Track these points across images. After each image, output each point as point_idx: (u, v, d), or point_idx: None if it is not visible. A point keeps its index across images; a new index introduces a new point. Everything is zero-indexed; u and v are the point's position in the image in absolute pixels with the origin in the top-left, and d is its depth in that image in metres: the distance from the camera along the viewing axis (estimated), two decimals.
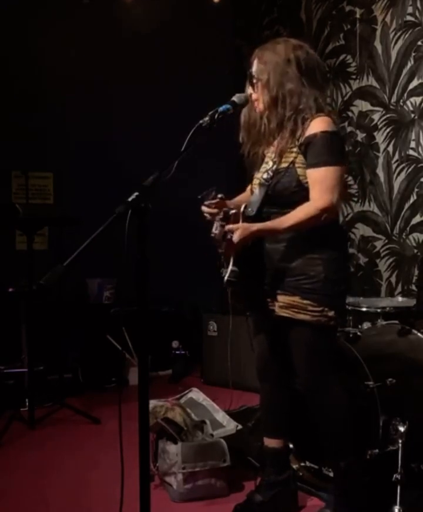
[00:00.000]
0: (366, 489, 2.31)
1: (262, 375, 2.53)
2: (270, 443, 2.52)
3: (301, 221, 2.15)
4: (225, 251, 2.22)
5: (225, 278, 2.21)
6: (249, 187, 2.46)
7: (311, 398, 2.34)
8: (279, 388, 2.46)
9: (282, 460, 2.50)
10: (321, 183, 2.15)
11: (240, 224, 2.19)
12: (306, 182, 2.21)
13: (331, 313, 2.22)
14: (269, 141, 2.30)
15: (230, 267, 2.22)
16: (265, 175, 2.29)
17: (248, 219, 2.23)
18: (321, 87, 2.28)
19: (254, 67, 2.32)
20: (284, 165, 2.25)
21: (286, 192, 2.24)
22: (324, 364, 2.31)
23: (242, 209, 2.25)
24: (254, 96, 2.29)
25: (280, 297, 2.27)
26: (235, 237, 2.14)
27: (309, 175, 2.18)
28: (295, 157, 2.23)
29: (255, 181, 2.37)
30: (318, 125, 2.18)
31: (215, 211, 2.26)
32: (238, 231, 2.15)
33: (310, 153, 2.18)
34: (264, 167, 2.34)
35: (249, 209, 2.26)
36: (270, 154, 2.33)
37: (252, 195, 2.36)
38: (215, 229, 2.19)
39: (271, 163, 2.30)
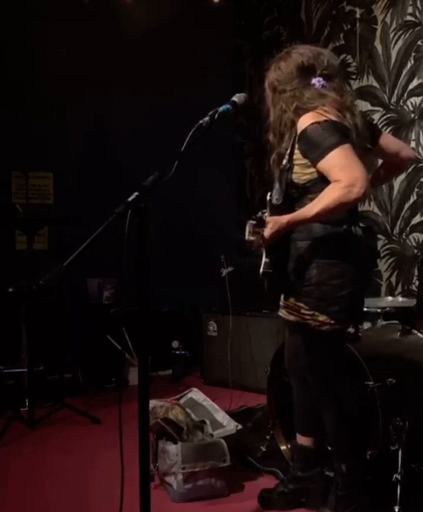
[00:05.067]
0: (366, 489, 2.31)
1: (289, 373, 2.55)
2: (299, 439, 2.55)
3: (329, 204, 2.06)
4: (258, 246, 2.18)
5: (261, 270, 2.19)
6: None
7: (317, 399, 2.35)
8: (306, 387, 2.44)
9: (307, 458, 2.52)
10: (334, 167, 2.08)
11: (270, 218, 2.17)
12: (300, 180, 2.21)
13: (322, 318, 2.18)
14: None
15: (263, 258, 2.19)
16: (284, 161, 2.27)
17: (276, 208, 2.21)
18: (305, 85, 2.25)
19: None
20: (285, 160, 2.25)
21: (287, 189, 2.24)
22: (322, 368, 2.30)
23: (268, 198, 2.23)
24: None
25: (282, 298, 2.31)
26: (267, 232, 2.11)
27: (321, 167, 2.12)
28: (295, 154, 2.23)
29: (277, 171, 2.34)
30: (303, 121, 2.17)
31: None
32: (269, 224, 2.13)
33: (308, 150, 2.15)
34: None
35: (276, 198, 2.23)
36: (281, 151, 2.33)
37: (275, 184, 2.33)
38: (251, 235, 2.12)
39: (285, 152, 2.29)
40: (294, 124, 2.22)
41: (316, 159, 2.13)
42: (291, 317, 2.27)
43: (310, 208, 2.13)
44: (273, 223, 2.14)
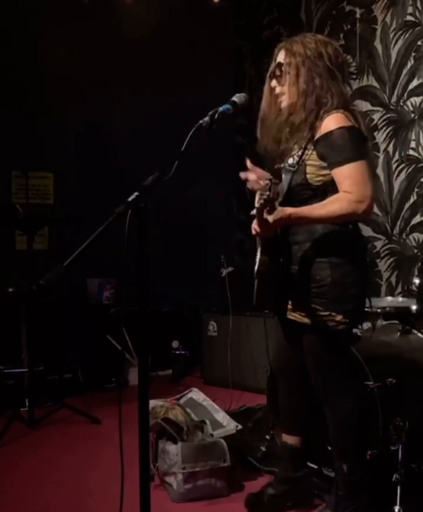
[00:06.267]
0: (366, 489, 2.31)
1: (278, 374, 2.55)
2: (287, 439, 2.54)
3: (334, 212, 2.07)
4: (258, 232, 2.09)
5: (256, 267, 2.16)
6: None
7: (322, 401, 2.34)
8: (295, 388, 2.45)
9: (297, 458, 2.52)
10: (348, 178, 2.08)
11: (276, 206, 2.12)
12: (314, 182, 2.19)
13: (339, 318, 2.17)
14: (287, 135, 2.25)
15: (259, 256, 2.16)
16: (291, 160, 2.24)
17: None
18: (345, 84, 2.23)
19: (282, 59, 2.27)
20: (296, 160, 2.22)
21: (297, 188, 2.22)
22: (333, 368, 2.29)
23: (265, 196, 2.22)
24: (279, 90, 2.27)
25: (290, 301, 2.27)
26: (271, 217, 2.04)
27: (335, 173, 2.12)
28: (309, 154, 2.20)
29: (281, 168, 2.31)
30: (333, 121, 2.13)
31: (254, 177, 2.14)
32: (275, 211, 2.07)
33: (330, 151, 2.13)
34: (291, 154, 2.28)
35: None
36: (292, 144, 2.27)
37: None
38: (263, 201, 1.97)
39: (297, 148, 2.25)
40: (322, 117, 2.15)
41: (334, 164, 2.12)
42: (306, 320, 2.23)
43: (314, 208, 2.12)
44: (278, 210, 2.07)
